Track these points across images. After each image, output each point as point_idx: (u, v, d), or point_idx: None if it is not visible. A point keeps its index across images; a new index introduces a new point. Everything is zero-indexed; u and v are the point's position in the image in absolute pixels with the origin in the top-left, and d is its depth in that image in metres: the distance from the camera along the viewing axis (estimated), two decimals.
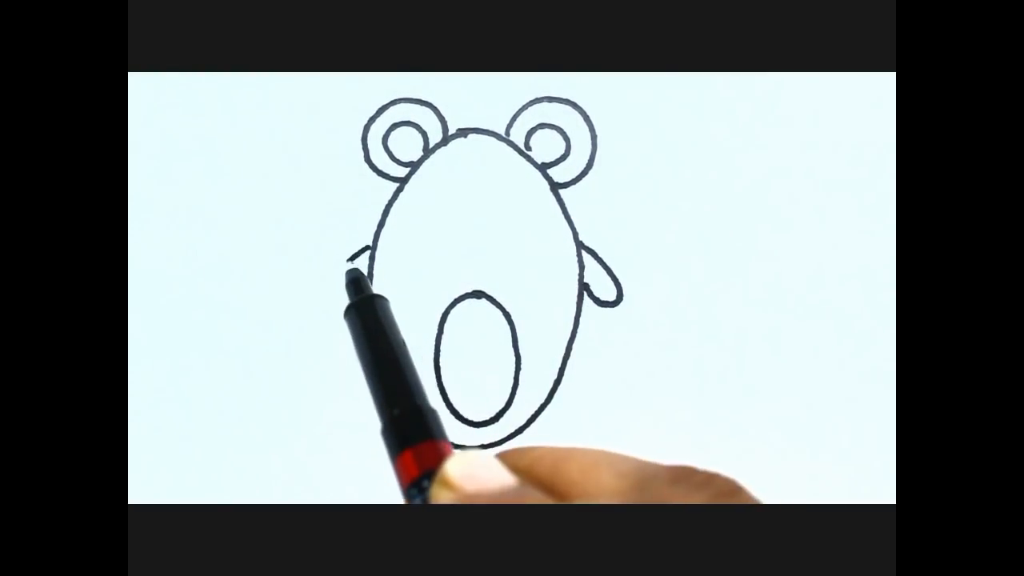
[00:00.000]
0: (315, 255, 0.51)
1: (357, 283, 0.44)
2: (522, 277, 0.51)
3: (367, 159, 0.51)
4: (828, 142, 0.51)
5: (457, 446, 0.51)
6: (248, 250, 0.51)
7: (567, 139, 0.52)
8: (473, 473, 0.32)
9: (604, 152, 0.51)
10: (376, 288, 0.52)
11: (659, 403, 0.50)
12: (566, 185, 0.51)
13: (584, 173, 0.51)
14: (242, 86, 0.51)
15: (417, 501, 0.33)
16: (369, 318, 0.41)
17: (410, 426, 0.36)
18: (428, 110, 0.52)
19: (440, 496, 0.32)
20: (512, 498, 0.31)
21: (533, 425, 0.51)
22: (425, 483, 0.33)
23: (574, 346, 0.51)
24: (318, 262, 0.51)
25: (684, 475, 0.30)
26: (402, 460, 0.35)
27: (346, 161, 0.51)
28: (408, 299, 0.51)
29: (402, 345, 0.40)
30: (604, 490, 0.31)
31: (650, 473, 0.31)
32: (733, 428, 0.50)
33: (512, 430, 0.51)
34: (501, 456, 0.34)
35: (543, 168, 0.51)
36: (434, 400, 0.51)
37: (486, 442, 0.50)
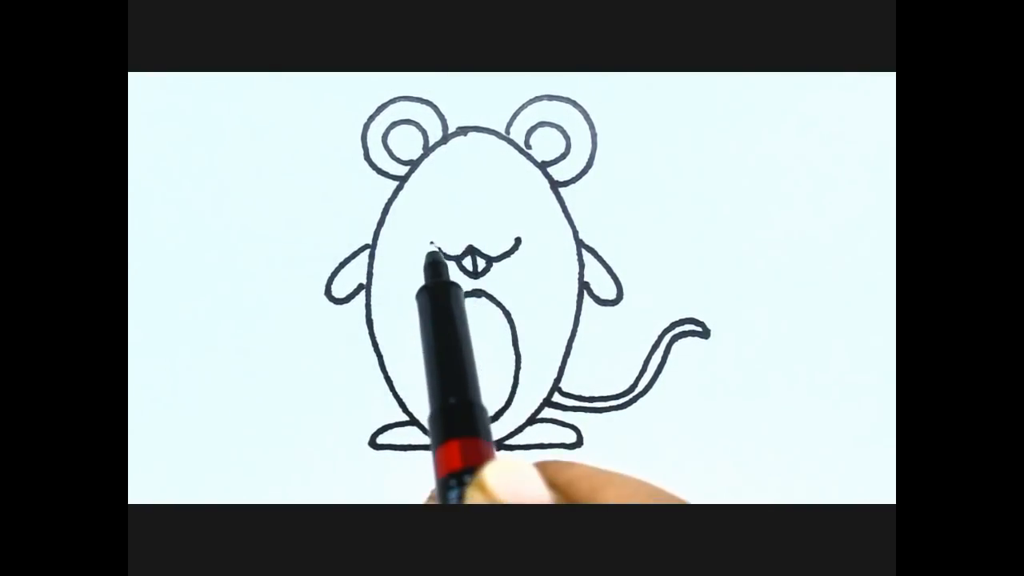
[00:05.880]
0: (315, 254, 0.51)
1: (436, 267, 0.43)
2: (522, 276, 0.51)
3: (367, 157, 0.51)
4: (828, 142, 0.51)
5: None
6: (248, 249, 0.51)
7: (567, 138, 0.51)
8: (511, 483, 0.32)
9: (604, 151, 0.51)
10: (376, 287, 0.52)
11: (659, 402, 0.50)
12: (566, 184, 0.51)
13: (584, 172, 0.51)
14: (242, 86, 0.51)
15: (453, 494, 0.33)
16: (442, 303, 0.41)
17: (462, 419, 0.36)
18: (428, 108, 0.52)
19: (474, 498, 0.32)
20: None
21: (533, 424, 0.51)
22: (466, 478, 0.33)
23: (574, 345, 0.51)
24: (318, 261, 0.51)
25: None
26: (446, 449, 0.34)
27: (346, 159, 0.51)
28: (408, 298, 0.51)
29: (469, 339, 0.39)
30: None
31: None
32: (733, 427, 0.50)
33: (512, 429, 0.50)
34: (541, 466, 0.34)
35: (543, 166, 0.51)
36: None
37: None
